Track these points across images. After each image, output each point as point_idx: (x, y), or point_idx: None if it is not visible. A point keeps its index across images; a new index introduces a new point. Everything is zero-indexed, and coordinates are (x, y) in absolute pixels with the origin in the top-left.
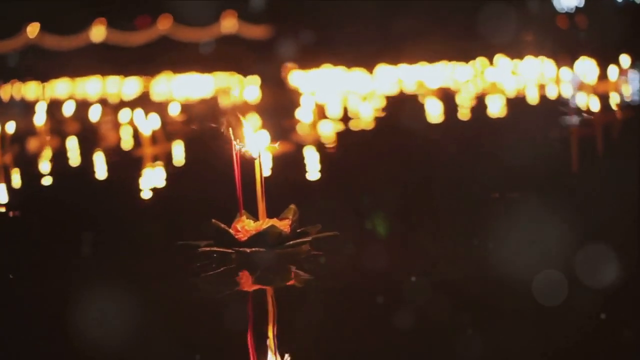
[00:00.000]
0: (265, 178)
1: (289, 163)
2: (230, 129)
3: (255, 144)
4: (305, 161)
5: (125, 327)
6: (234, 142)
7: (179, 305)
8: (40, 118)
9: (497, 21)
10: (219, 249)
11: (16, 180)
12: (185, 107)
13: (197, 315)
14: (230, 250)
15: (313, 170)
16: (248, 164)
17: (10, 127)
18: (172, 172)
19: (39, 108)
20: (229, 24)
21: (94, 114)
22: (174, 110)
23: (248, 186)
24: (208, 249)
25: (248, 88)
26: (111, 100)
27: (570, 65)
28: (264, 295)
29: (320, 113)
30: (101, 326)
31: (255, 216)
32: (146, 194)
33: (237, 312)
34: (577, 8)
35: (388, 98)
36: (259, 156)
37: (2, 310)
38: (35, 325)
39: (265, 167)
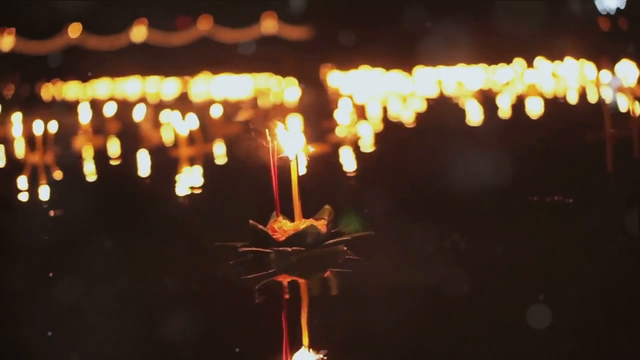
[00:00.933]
0: (301, 179)
1: (325, 164)
2: (267, 131)
3: (292, 146)
4: (342, 162)
5: (168, 321)
6: (270, 144)
7: (218, 300)
8: (85, 117)
9: (536, 22)
10: (257, 249)
11: (59, 179)
12: (225, 108)
13: (235, 311)
14: (269, 250)
15: (350, 171)
16: (285, 165)
17: (53, 127)
18: (210, 173)
19: (82, 108)
20: (269, 24)
21: (138, 114)
22: (215, 112)
23: (284, 187)
24: (247, 249)
25: (287, 89)
26: (151, 100)
27: (611, 67)
28: (301, 292)
29: (360, 114)
30: (144, 323)
31: (289, 217)
32: (183, 195)
33: (274, 308)
34: (618, 9)
35: (428, 100)
36: (295, 158)
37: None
38: (93, 321)
39: (301, 168)
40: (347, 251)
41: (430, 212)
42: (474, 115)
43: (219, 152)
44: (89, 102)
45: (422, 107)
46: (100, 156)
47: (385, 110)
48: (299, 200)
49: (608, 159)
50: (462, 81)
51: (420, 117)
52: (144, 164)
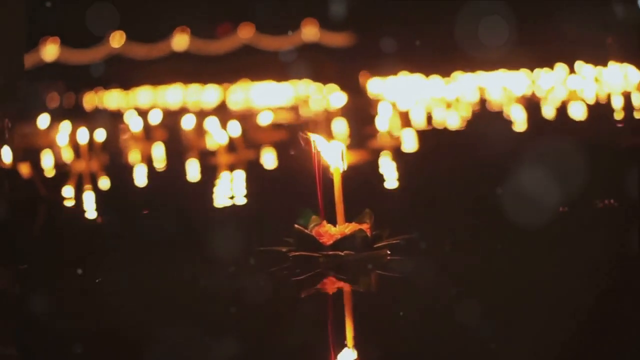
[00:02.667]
0: (342, 185)
1: (365, 170)
2: (312, 139)
3: (332, 153)
4: (382, 168)
5: (212, 326)
6: (314, 151)
7: (264, 304)
8: (135, 125)
9: (580, 26)
10: (306, 253)
11: (104, 186)
12: (266, 116)
13: (281, 313)
14: (317, 254)
15: (390, 177)
16: (327, 171)
17: (100, 135)
18: (254, 179)
19: (128, 115)
20: (310, 32)
21: (186, 122)
22: (264, 119)
23: (326, 192)
24: (297, 253)
25: (329, 96)
26: (192, 108)
27: None
28: (349, 296)
29: (403, 120)
30: (189, 327)
31: (330, 222)
32: (224, 201)
33: (322, 311)
34: None
35: (472, 105)
36: (337, 164)
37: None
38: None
39: (342, 172)
40: (389, 254)
41: (467, 219)
42: (519, 121)
43: (263, 160)
44: (132, 110)
45: (467, 113)
46: (148, 163)
47: (429, 116)
48: (342, 205)
49: None
50: (506, 86)
51: (465, 122)
52: (190, 172)
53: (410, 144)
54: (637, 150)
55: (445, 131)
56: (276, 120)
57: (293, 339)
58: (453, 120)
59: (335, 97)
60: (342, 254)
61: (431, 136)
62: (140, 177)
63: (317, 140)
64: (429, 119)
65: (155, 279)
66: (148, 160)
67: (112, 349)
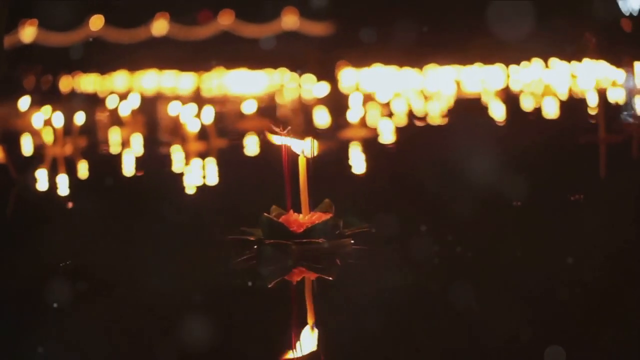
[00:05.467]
0: (308, 175)
1: (333, 161)
2: (280, 129)
3: (300, 143)
4: (351, 159)
5: (174, 313)
6: (282, 140)
7: (229, 291)
8: (124, 109)
9: (555, 22)
10: (277, 241)
11: (77, 171)
12: (239, 103)
13: (250, 300)
14: (289, 242)
15: (357, 168)
16: (295, 160)
17: (78, 119)
18: (225, 168)
19: (107, 100)
20: (290, 20)
21: (173, 109)
22: (231, 107)
23: (293, 182)
24: (271, 241)
25: (304, 85)
26: (168, 94)
27: (631, 69)
28: (313, 283)
29: (382, 112)
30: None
31: (285, 210)
32: (193, 189)
33: (287, 300)
34: None
35: (452, 98)
36: (303, 153)
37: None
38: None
39: (310, 162)
40: (352, 244)
41: (431, 208)
42: (498, 115)
43: (234, 148)
44: (108, 94)
45: (448, 105)
46: (125, 148)
47: (409, 108)
48: (307, 195)
49: (602, 163)
50: (484, 80)
51: (446, 114)
52: (159, 158)
53: (387, 135)
54: (594, 147)
55: (421, 123)
56: (251, 108)
57: (258, 330)
58: (433, 112)
59: (308, 86)
60: (320, 241)
61: (408, 128)
62: (116, 162)
63: (284, 131)
64: (409, 111)
65: (119, 267)
66: (125, 145)
67: (63, 339)
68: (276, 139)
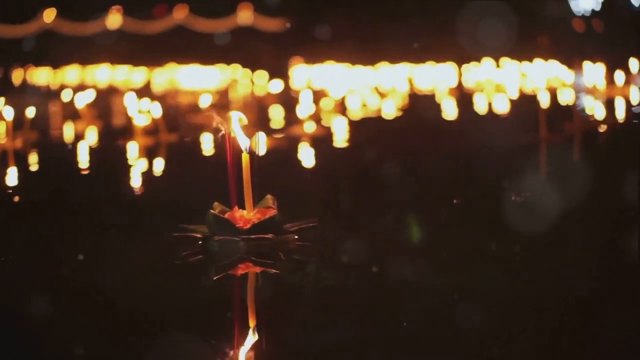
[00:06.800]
0: (254, 170)
1: (280, 157)
2: (223, 123)
3: (245, 137)
4: (299, 155)
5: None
6: (226, 135)
7: (172, 288)
8: (81, 102)
9: (507, 22)
10: (225, 237)
11: (26, 164)
12: (189, 98)
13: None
14: (237, 239)
15: (305, 164)
16: (239, 156)
17: (31, 112)
18: (168, 163)
19: (61, 93)
20: (244, 15)
21: (129, 102)
22: (181, 101)
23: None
24: (220, 237)
25: (255, 81)
26: (121, 88)
27: (580, 69)
28: (259, 280)
29: (336, 108)
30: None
31: (228, 206)
32: (138, 184)
33: (232, 295)
34: (593, 11)
35: (407, 95)
36: (247, 149)
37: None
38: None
39: (256, 158)
40: (296, 239)
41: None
42: (450, 112)
43: (181, 142)
44: (58, 88)
45: (402, 102)
46: (77, 141)
47: (364, 105)
48: (251, 191)
49: (542, 163)
50: (437, 78)
51: (400, 111)
52: (107, 152)
53: (340, 132)
54: (534, 147)
55: (375, 120)
56: (203, 103)
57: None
58: (389, 108)
59: (261, 82)
60: (269, 236)
61: (361, 125)
62: (67, 155)
63: (230, 125)
64: (364, 107)
65: (61, 261)
66: (77, 138)
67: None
68: (223, 134)
